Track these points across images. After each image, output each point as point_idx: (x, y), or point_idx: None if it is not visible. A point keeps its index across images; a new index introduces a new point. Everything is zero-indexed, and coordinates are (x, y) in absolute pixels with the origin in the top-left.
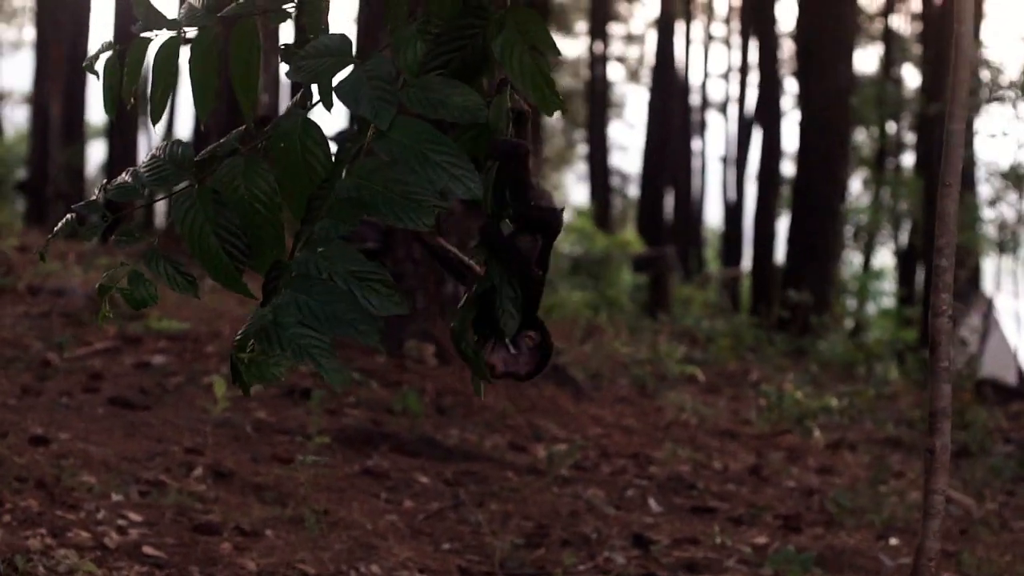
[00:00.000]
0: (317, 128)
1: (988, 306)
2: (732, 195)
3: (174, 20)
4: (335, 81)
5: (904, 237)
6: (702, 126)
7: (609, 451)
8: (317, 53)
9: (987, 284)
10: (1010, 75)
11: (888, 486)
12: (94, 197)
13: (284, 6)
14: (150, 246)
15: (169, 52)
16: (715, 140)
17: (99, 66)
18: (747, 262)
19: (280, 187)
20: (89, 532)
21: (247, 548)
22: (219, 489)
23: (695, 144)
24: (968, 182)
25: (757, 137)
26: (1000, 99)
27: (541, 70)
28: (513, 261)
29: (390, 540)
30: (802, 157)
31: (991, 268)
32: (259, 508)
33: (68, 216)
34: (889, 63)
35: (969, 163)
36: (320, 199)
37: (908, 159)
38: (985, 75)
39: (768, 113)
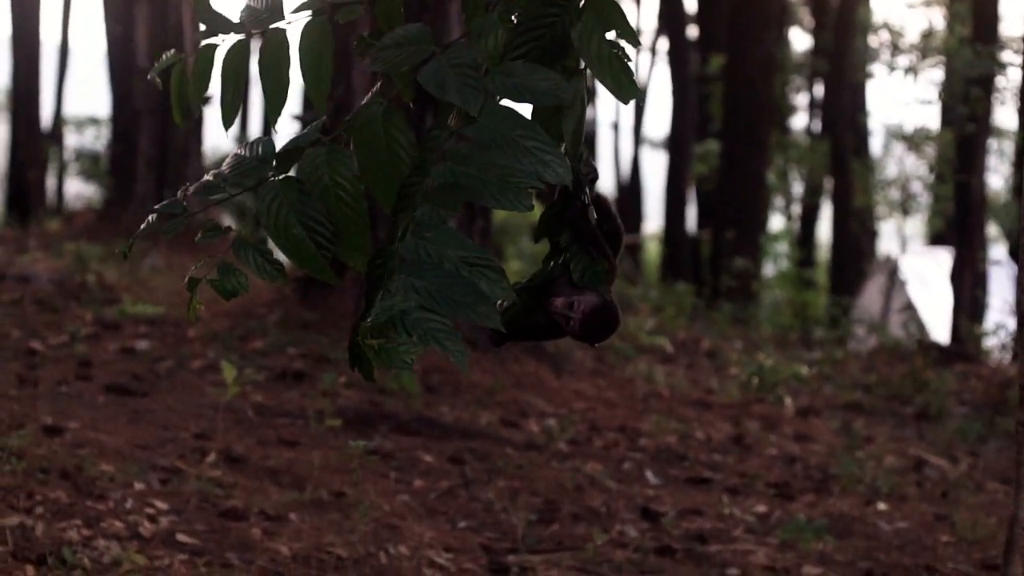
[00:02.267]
0: (400, 116)
1: (893, 267)
2: (626, 163)
3: (240, 24)
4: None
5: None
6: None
7: (598, 424)
8: (396, 43)
9: (892, 246)
10: (909, 38)
11: (864, 452)
12: (175, 198)
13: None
14: (236, 236)
15: (238, 56)
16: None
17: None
18: (648, 229)
19: (364, 175)
20: (122, 522)
21: (276, 533)
22: (235, 474)
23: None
24: (864, 145)
25: (657, 105)
26: (893, 67)
27: (619, 58)
28: (599, 247)
29: (409, 520)
30: (728, 125)
31: (895, 230)
32: (277, 492)
33: (150, 217)
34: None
35: (864, 126)
36: (413, 186)
37: (800, 121)
38: (885, 37)
39: (680, 80)
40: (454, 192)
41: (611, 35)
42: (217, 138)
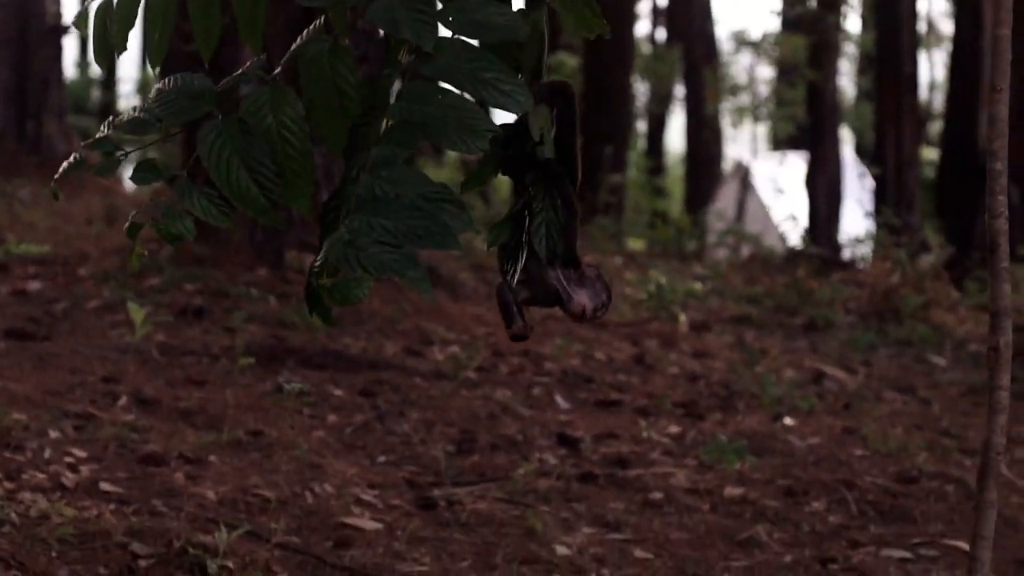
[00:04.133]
0: (348, 53)
1: (745, 173)
2: None
3: None
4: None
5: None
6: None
7: (501, 350)
8: None
9: (743, 151)
10: None
11: (762, 366)
12: (100, 134)
13: None
14: (180, 179)
15: None
16: None
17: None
18: None
19: (309, 116)
20: (43, 472)
21: (199, 476)
22: (148, 417)
23: None
24: (712, 53)
25: None
26: None
27: None
28: (563, 189)
29: (328, 457)
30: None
31: (748, 136)
32: (193, 434)
33: (74, 155)
34: None
35: (712, 34)
36: (366, 126)
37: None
38: None
39: None
40: (411, 131)
41: None
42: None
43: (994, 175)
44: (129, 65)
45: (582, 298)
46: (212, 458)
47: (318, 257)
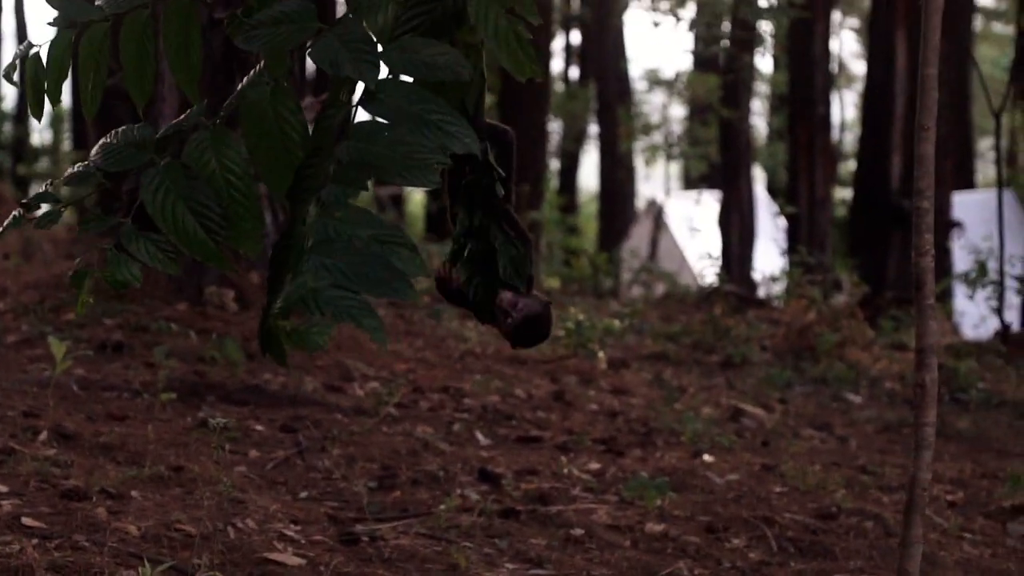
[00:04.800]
0: (291, 96)
1: (658, 211)
2: None
3: (98, 7)
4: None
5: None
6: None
7: (421, 386)
8: (274, 21)
9: (657, 190)
10: None
11: (681, 403)
12: (43, 189)
13: None
14: (125, 226)
15: (97, 42)
16: None
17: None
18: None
19: (253, 158)
20: None
21: (121, 511)
22: (69, 452)
23: None
24: (626, 91)
25: None
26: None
27: (517, 34)
28: (514, 223)
29: (250, 492)
30: (506, 75)
31: (660, 174)
32: (115, 469)
33: (16, 210)
34: None
35: (626, 73)
36: (312, 167)
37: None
38: None
39: None
40: (360, 170)
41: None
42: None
43: (920, 213)
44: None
45: (509, 294)
46: (134, 493)
47: (277, 298)
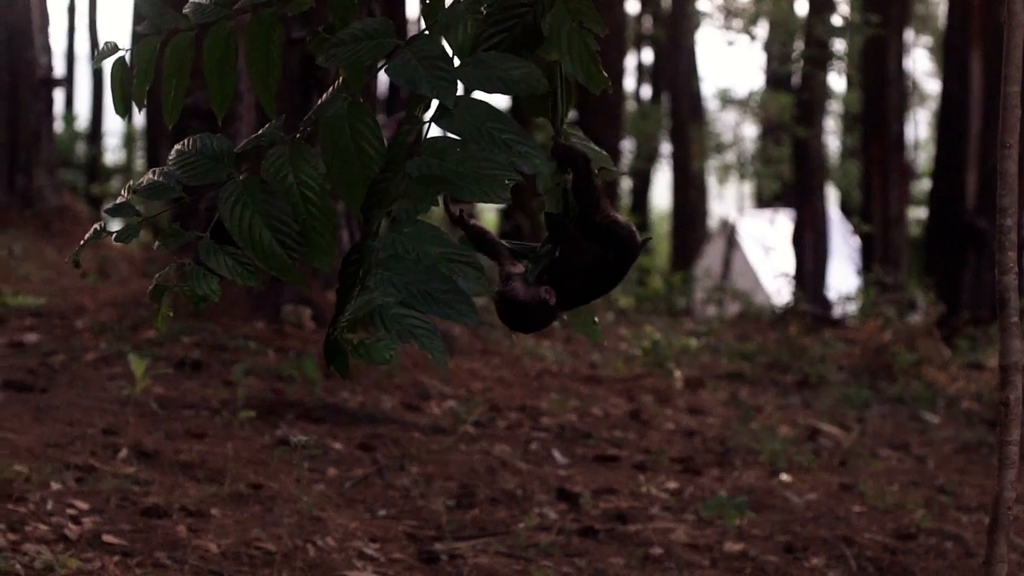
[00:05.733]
0: (368, 112)
1: (731, 231)
2: None
3: (185, 16)
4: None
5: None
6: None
7: (498, 405)
8: (354, 38)
9: (730, 208)
10: (743, 1)
11: (757, 422)
12: (121, 199)
13: None
14: (204, 241)
15: (182, 50)
16: None
17: (106, 66)
18: None
19: (330, 174)
20: (46, 524)
21: (201, 529)
22: (149, 470)
23: None
24: (698, 110)
25: None
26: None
27: (588, 48)
28: (576, 257)
29: (329, 511)
30: (583, 98)
31: (733, 193)
32: (194, 487)
33: (98, 223)
34: None
35: (698, 91)
36: (385, 181)
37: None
38: (718, 1)
39: None
40: (431, 186)
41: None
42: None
43: (1003, 231)
44: (114, 119)
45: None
46: (214, 511)
47: (345, 312)
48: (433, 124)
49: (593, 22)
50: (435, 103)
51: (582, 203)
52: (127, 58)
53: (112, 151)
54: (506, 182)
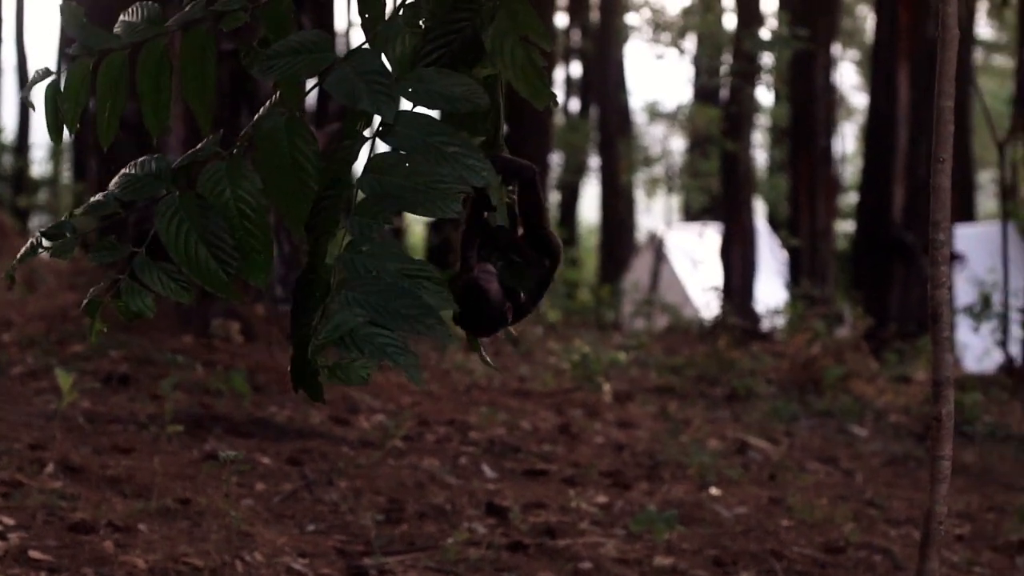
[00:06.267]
0: (305, 126)
1: (659, 244)
2: None
3: (116, 36)
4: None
5: None
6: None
7: (427, 419)
8: (291, 51)
9: (658, 222)
10: (671, 14)
11: (686, 436)
12: (62, 219)
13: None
14: (139, 257)
15: (115, 71)
16: None
17: (38, 94)
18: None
19: (267, 189)
20: None
21: (128, 545)
22: (76, 485)
23: None
24: (627, 124)
25: None
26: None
27: (533, 62)
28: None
29: (258, 526)
30: (513, 109)
31: (661, 206)
32: (122, 502)
33: (32, 239)
34: None
35: (626, 105)
36: (329, 199)
37: None
38: (646, 14)
39: None
40: (384, 203)
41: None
42: None
43: (936, 245)
44: (41, 131)
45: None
46: (141, 526)
47: (309, 334)
48: (378, 140)
49: (539, 36)
50: (378, 118)
51: (529, 215)
52: (61, 82)
53: (39, 163)
54: (457, 195)
